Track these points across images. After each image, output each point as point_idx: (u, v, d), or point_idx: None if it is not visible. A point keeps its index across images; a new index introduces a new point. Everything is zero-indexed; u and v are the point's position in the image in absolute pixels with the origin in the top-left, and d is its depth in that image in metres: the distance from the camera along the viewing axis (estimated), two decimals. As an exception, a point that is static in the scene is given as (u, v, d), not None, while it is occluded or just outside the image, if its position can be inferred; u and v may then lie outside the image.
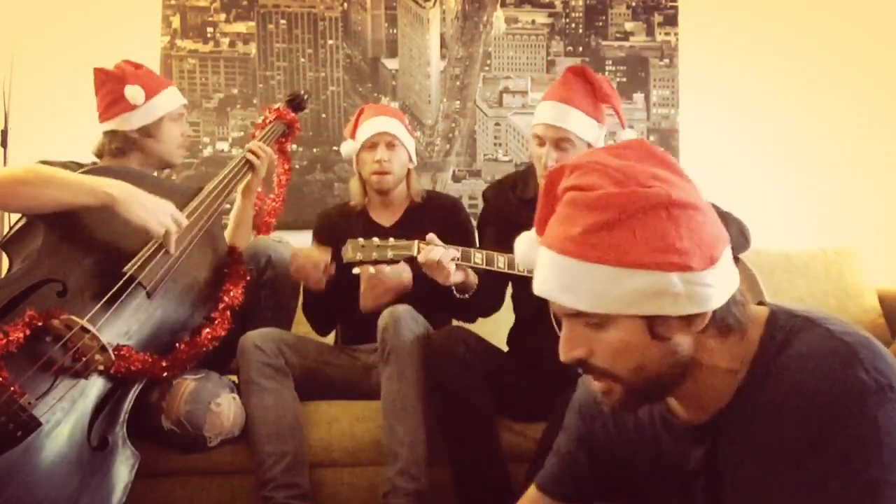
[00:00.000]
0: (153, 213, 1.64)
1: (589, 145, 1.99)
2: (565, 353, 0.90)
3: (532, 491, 1.15)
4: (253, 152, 2.08)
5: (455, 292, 1.93)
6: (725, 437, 0.91)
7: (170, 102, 2.02)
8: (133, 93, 1.94)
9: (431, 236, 1.83)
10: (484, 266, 1.84)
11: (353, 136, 2.24)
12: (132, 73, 2.00)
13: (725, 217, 2.03)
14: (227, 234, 2.14)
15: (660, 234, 0.83)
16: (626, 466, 1.06)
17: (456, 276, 1.81)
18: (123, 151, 1.99)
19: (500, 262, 1.85)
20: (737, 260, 2.03)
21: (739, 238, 2.01)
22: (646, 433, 1.03)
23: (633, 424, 1.04)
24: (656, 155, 0.91)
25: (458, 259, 1.81)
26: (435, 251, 1.78)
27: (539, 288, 0.90)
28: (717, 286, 0.85)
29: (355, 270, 1.84)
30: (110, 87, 1.97)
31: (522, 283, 1.94)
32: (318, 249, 1.98)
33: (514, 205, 2.09)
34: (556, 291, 0.88)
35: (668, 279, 0.82)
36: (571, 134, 1.96)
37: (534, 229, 0.98)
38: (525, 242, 1.03)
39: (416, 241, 1.83)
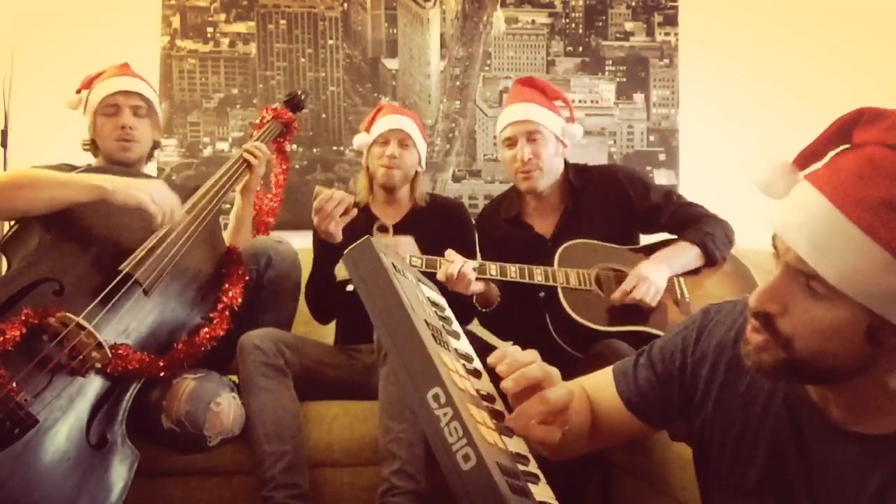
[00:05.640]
0: (146, 192, 1.65)
1: (556, 137, 2.08)
2: (760, 301, 0.81)
3: (612, 392, 1.10)
4: (250, 152, 2.08)
5: (478, 306, 1.98)
6: None
7: (95, 97, 2.03)
8: (73, 99, 2.07)
9: (450, 252, 1.87)
10: (499, 277, 1.89)
11: (368, 130, 2.27)
12: (96, 74, 2.07)
13: (712, 218, 2.04)
14: (226, 234, 2.14)
15: None
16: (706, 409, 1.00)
17: (476, 286, 1.86)
18: (94, 151, 2.06)
19: (513, 271, 1.89)
20: (724, 260, 2.04)
21: (724, 241, 2.02)
22: (756, 399, 0.95)
23: (747, 384, 0.96)
24: None
25: (476, 269, 1.86)
26: (455, 263, 1.82)
27: (785, 227, 0.80)
28: None
29: (349, 288, 1.83)
30: None
31: (525, 292, 1.97)
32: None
33: (501, 225, 2.17)
34: (804, 243, 0.77)
35: None
36: (539, 125, 2.05)
37: (784, 158, 0.86)
38: (772, 165, 0.86)
39: (409, 255, 1.87)
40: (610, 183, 2.11)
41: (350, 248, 0.85)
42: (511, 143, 2.07)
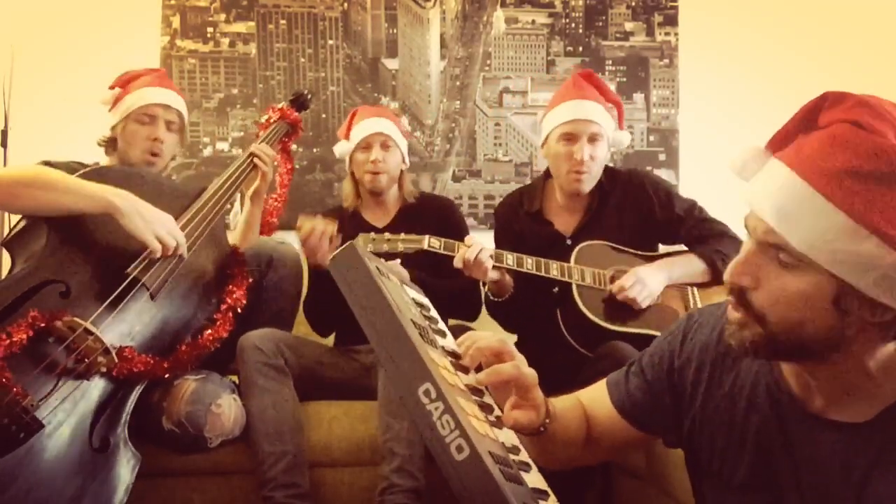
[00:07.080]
0: (151, 225, 1.63)
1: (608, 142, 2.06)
2: (734, 275, 0.84)
3: (607, 402, 1.12)
4: (258, 156, 2.06)
5: (491, 295, 2.00)
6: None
7: (133, 102, 2.01)
8: (107, 96, 2.03)
9: (469, 237, 1.90)
10: (515, 267, 1.91)
11: (346, 136, 2.27)
12: (133, 75, 2.06)
13: (729, 238, 2.02)
14: (234, 237, 2.14)
15: None
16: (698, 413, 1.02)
17: (492, 274, 1.88)
18: (109, 149, 2.05)
19: (529, 263, 1.91)
20: None
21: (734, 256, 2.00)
22: (740, 396, 0.97)
23: (731, 384, 0.99)
24: None
25: (492, 257, 1.88)
26: (473, 248, 1.85)
27: (755, 200, 0.85)
28: None
29: None
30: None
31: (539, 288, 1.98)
32: (324, 220, 1.95)
33: (522, 219, 2.14)
34: (772, 213, 0.81)
35: (893, 259, 0.75)
36: (601, 128, 2.01)
37: (758, 144, 0.91)
38: (747, 150, 0.93)
39: (427, 236, 1.89)
40: (636, 189, 2.09)
41: (335, 253, 0.88)
42: (571, 139, 1.99)
